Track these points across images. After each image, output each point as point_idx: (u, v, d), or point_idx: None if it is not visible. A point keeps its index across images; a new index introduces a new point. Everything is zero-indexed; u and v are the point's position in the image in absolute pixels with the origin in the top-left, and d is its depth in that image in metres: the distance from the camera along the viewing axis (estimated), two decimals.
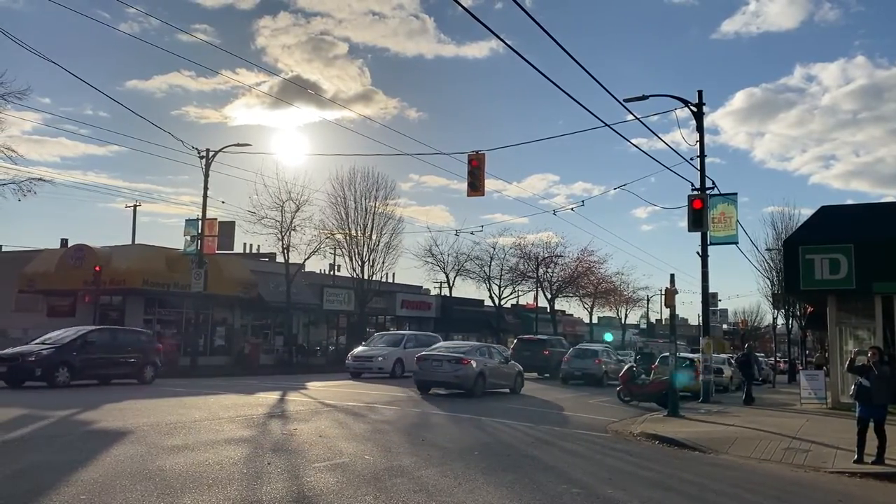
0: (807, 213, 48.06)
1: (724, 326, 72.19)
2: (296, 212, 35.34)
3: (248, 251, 46.58)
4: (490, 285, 52.06)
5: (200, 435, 11.42)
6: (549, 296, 54.12)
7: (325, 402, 17.67)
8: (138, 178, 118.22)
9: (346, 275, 43.89)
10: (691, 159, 23.50)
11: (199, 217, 30.93)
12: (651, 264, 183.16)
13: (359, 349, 29.95)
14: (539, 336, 39.10)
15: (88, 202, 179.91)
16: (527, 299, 58.57)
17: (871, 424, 11.48)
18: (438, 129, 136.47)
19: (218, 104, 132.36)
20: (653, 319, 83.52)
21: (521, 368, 25.18)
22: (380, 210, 41.12)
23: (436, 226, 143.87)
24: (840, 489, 9.82)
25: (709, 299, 25.15)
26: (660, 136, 22.39)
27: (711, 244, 23.59)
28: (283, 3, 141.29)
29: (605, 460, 11.29)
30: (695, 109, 23.39)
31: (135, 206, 48.92)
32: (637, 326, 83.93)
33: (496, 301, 52.62)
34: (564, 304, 62.39)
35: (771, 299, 51.57)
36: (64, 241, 39.81)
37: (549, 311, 56.60)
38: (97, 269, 29.89)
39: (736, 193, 24.44)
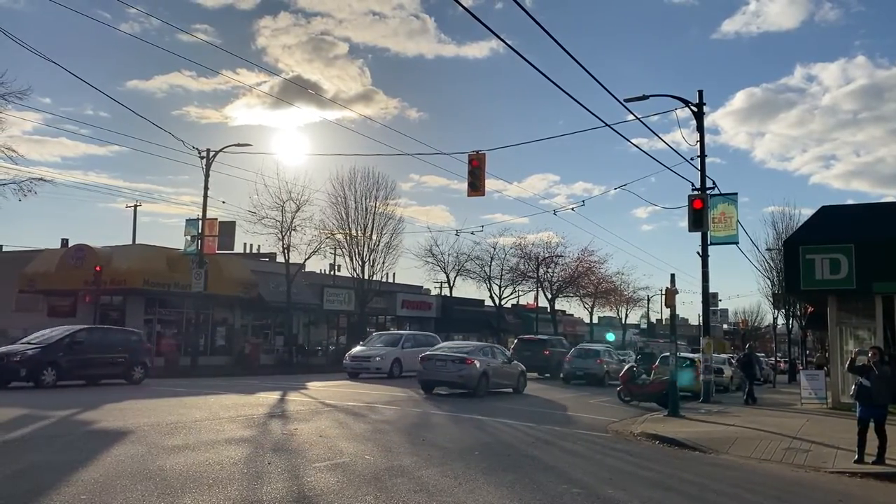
0: (807, 213, 48.11)
1: (725, 326, 72.10)
2: (296, 212, 35.43)
3: (248, 251, 46.60)
4: (490, 285, 52.13)
5: (201, 435, 11.42)
6: (549, 296, 54.13)
7: (326, 402, 17.68)
8: (139, 178, 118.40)
9: (347, 275, 43.93)
10: (691, 159, 23.52)
11: (200, 217, 30.93)
12: (651, 264, 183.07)
13: (356, 349, 29.88)
14: (539, 336, 39.10)
15: (89, 202, 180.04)
16: (527, 299, 58.65)
17: (872, 424, 11.48)
18: (439, 129, 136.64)
19: (218, 104, 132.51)
20: (653, 319, 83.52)
21: (524, 368, 25.23)
22: (380, 210, 41.15)
23: (436, 226, 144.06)
24: (840, 489, 9.81)
25: (709, 299, 25.14)
26: (660, 136, 22.40)
27: (712, 244, 23.58)
28: (283, 3, 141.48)
29: (605, 460, 11.29)
30: (695, 109, 23.39)
31: (135, 206, 48.95)
32: (637, 326, 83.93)
33: (496, 301, 52.63)
34: (565, 304, 62.48)
35: (771, 299, 51.58)
36: (64, 241, 39.86)
37: (549, 311, 56.60)
38: (98, 269, 29.89)
39: (736, 193, 24.45)
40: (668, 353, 22.51)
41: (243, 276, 36.55)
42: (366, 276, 40.62)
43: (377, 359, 27.96)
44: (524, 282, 52.85)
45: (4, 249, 42.98)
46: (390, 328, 44.56)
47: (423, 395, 20.67)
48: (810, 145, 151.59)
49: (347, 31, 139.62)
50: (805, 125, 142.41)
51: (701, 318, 26.81)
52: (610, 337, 41.22)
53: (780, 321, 56.94)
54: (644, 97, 22.50)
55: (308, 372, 31.90)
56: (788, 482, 10.15)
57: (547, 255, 51.80)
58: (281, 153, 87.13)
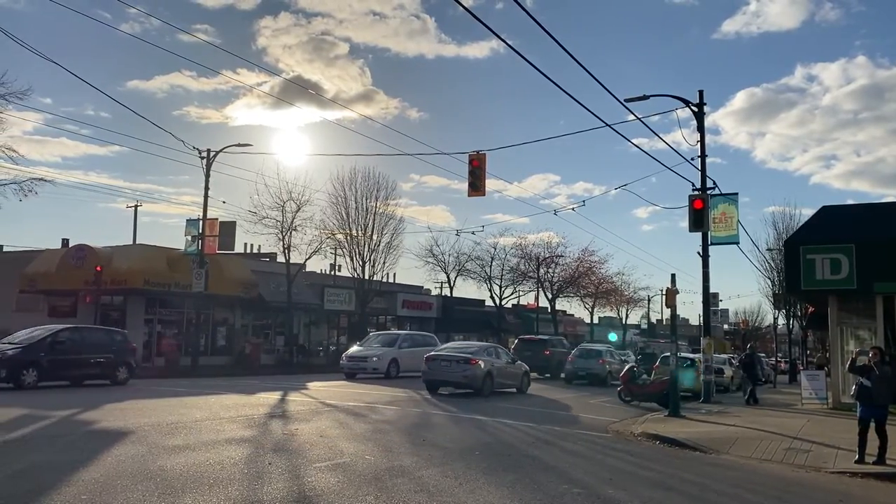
0: (808, 213, 48.08)
1: (725, 326, 72.11)
2: (296, 212, 35.46)
3: (248, 251, 46.62)
4: (491, 285, 52.10)
5: (201, 435, 11.42)
6: (549, 296, 54.12)
7: (326, 402, 17.68)
8: (139, 178, 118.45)
9: (347, 275, 43.94)
10: (692, 159, 23.51)
11: (200, 217, 30.93)
12: (652, 264, 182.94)
13: (353, 349, 29.83)
14: (540, 336, 39.14)
15: (89, 202, 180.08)
16: (528, 299, 58.65)
17: (873, 425, 11.47)
18: (439, 129, 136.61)
19: (219, 104, 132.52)
20: (654, 319, 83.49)
21: (528, 368, 25.30)
22: (381, 210, 41.14)
23: (437, 226, 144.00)
24: (841, 489, 9.81)
25: (710, 299, 25.14)
26: (661, 136, 22.39)
27: (712, 244, 23.58)
28: (283, 3, 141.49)
29: (606, 460, 11.29)
30: (696, 109, 23.39)
31: (136, 207, 48.96)
32: (638, 327, 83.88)
33: (497, 301, 52.61)
34: (565, 305, 62.47)
35: (772, 299, 51.57)
36: (65, 241, 39.91)
37: (549, 311, 56.61)
38: (98, 269, 29.90)
39: (737, 193, 24.46)
40: (668, 354, 22.52)
41: (244, 276, 36.56)
42: (366, 277, 40.62)
43: (374, 359, 27.85)
44: (525, 282, 52.88)
45: (5, 249, 43.00)
46: (391, 328, 44.57)
47: (423, 396, 20.67)
48: (811, 145, 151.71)
49: (348, 31, 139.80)
50: (805, 125, 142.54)
51: (701, 318, 26.81)
52: (612, 337, 41.22)
53: (781, 321, 57.01)
54: (644, 97, 22.51)
55: (308, 372, 31.91)
56: (789, 482, 10.15)
57: (547, 256, 51.83)
58: (281, 153, 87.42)
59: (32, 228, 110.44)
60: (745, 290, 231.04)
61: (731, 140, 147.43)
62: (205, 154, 30.59)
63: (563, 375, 32.35)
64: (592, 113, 20.85)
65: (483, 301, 56.77)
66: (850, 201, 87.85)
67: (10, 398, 15.96)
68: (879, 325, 20.06)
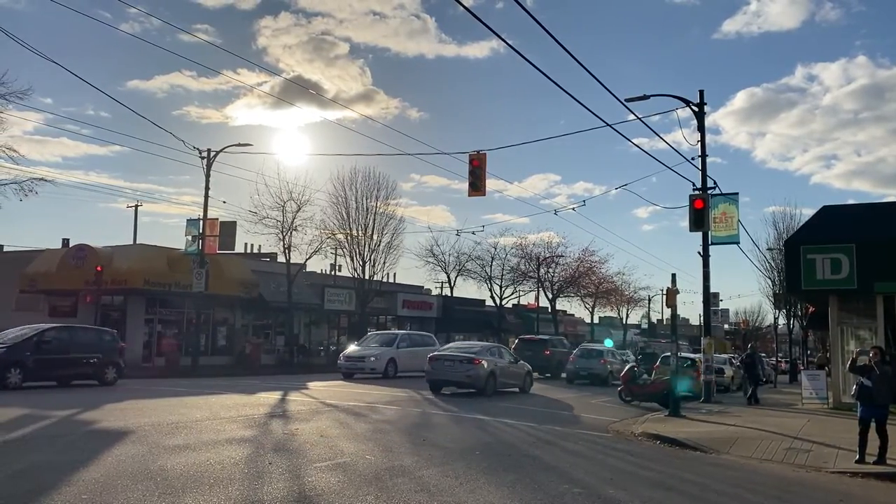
0: (808, 212, 48.08)
1: (726, 326, 72.02)
2: (297, 212, 35.47)
3: (249, 251, 46.62)
4: (491, 285, 52.09)
5: (202, 435, 11.42)
6: (550, 296, 54.12)
7: (327, 401, 17.68)
8: (140, 178, 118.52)
9: (347, 275, 43.93)
10: (692, 159, 23.52)
11: (201, 217, 30.93)
12: (652, 264, 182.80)
13: (350, 349, 29.79)
14: (540, 336, 39.15)
15: (90, 202, 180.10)
16: (528, 299, 58.64)
17: (873, 424, 11.47)
18: (439, 128, 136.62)
19: (219, 104, 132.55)
20: (654, 319, 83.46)
21: (531, 368, 25.35)
22: (381, 210, 41.13)
23: (437, 226, 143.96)
24: (842, 489, 9.80)
25: (710, 299, 25.15)
26: (661, 135, 22.40)
27: (713, 244, 23.58)
28: (283, 3, 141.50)
29: (606, 460, 11.29)
30: (696, 109, 23.39)
31: (136, 206, 48.96)
32: (638, 326, 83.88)
33: (497, 301, 52.60)
34: (566, 304, 62.45)
35: (772, 299, 51.55)
36: (65, 241, 39.92)
37: (550, 311, 56.60)
38: (98, 269, 29.91)
39: (737, 193, 24.42)
40: (668, 354, 22.51)
41: (244, 276, 36.57)
42: (366, 276, 40.62)
43: (372, 359, 27.75)
44: (525, 282, 52.87)
45: (5, 249, 43.01)
46: (391, 328, 44.58)
47: (423, 395, 20.68)
48: (811, 145, 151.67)
49: (348, 31, 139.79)
50: (806, 125, 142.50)
51: (702, 318, 26.81)
52: (608, 343, 41.33)
53: (781, 321, 56.96)
54: (645, 97, 22.52)
55: (309, 372, 31.91)
56: (789, 482, 10.15)
57: (548, 255, 51.82)
58: (282, 153, 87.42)
59: (33, 228, 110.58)
60: (746, 289, 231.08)
61: (731, 140, 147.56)
62: (205, 154, 30.60)
63: (563, 375, 32.35)
64: (593, 113, 20.92)
65: (483, 301, 56.82)
66: (851, 201, 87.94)
67: None
68: (880, 325, 20.05)
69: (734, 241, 24.38)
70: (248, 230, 39.52)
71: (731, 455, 12.28)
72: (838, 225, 21.44)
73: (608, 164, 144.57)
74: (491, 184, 20.79)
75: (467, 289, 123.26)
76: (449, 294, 54.77)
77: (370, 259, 40.57)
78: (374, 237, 40.61)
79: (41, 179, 26.36)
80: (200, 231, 30.40)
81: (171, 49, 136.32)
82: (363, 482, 8.35)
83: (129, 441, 10.49)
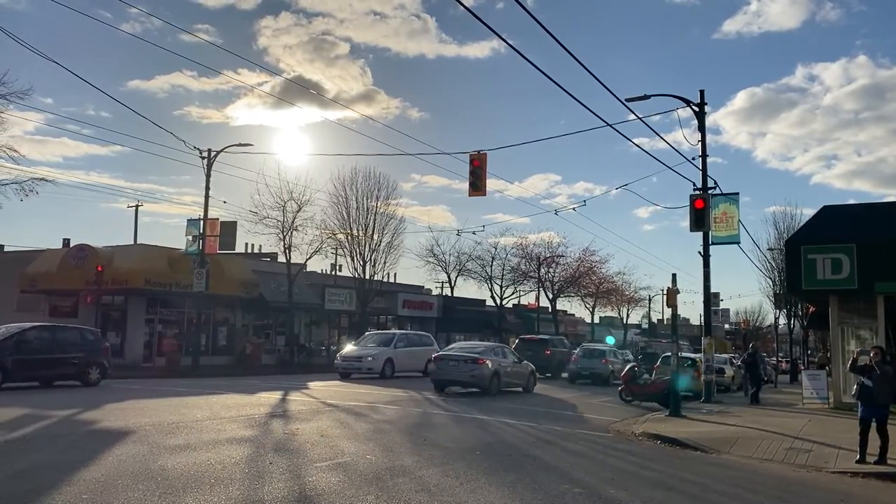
0: (809, 212, 48.15)
1: (726, 326, 72.14)
2: (297, 212, 35.50)
3: (249, 251, 46.62)
4: (492, 285, 52.08)
5: (202, 434, 11.42)
6: (550, 296, 54.10)
7: (327, 401, 17.68)
8: (140, 178, 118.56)
9: (348, 275, 43.95)
10: (693, 159, 23.52)
11: (201, 217, 30.95)
12: (653, 264, 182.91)
13: (347, 349, 29.74)
14: (541, 336, 39.15)
15: (90, 202, 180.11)
16: (528, 299, 58.59)
17: (874, 424, 11.46)
18: (440, 128, 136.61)
19: (220, 104, 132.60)
20: (654, 319, 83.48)
21: (534, 368, 25.42)
22: (381, 210, 41.11)
23: (437, 226, 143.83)
24: (842, 489, 9.80)
25: (711, 299, 25.13)
26: (661, 135, 22.41)
27: (713, 244, 23.58)
28: (284, 3, 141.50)
29: (606, 460, 11.29)
30: (696, 109, 23.38)
31: (137, 206, 48.98)
32: (639, 326, 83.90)
33: (498, 301, 52.60)
34: (566, 304, 62.45)
35: (773, 299, 51.56)
36: (66, 241, 39.91)
37: (550, 311, 56.59)
38: (99, 268, 29.90)
39: (738, 193, 24.43)
40: (669, 353, 22.51)
41: (245, 276, 36.57)
42: (367, 276, 40.61)
43: (369, 359, 27.67)
44: (525, 282, 52.86)
45: (6, 249, 43.00)
46: (391, 328, 44.59)
47: (424, 395, 20.68)
48: (812, 145, 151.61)
49: (348, 31, 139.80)
50: (806, 125, 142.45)
51: (702, 318, 26.81)
52: (610, 340, 41.31)
53: (782, 321, 57.01)
54: (645, 97, 22.51)
55: (309, 372, 31.89)
56: (790, 482, 10.14)
57: (548, 255, 51.79)
58: (282, 153, 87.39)
59: (33, 228, 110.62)
60: (746, 289, 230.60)
61: (731, 140, 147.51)
62: (206, 154, 30.62)
63: (564, 375, 32.37)
64: (593, 112, 20.98)
65: (484, 301, 56.83)
66: (852, 201, 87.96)
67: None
68: (880, 325, 20.04)
69: (735, 241, 24.39)
70: (249, 230, 39.62)
71: (732, 455, 12.27)
72: (839, 225, 21.42)
73: (608, 164, 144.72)
74: (491, 184, 20.78)
75: (468, 289, 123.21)
76: (449, 294, 54.80)
77: (371, 259, 40.59)
78: (375, 237, 40.65)
79: (42, 179, 26.40)
80: (201, 231, 30.41)
81: (171, 49, 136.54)
82: (364, 482, 8.35)
83: (130, 441, 10.49)
